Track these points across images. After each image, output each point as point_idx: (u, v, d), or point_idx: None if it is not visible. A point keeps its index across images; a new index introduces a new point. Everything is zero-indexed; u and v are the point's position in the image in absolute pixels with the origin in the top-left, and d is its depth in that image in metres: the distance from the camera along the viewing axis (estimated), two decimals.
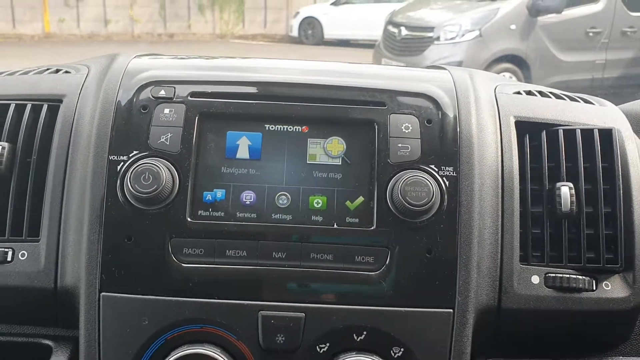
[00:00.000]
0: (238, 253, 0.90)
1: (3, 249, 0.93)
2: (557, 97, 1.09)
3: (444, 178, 0.92)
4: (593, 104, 1.10)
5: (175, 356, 0.86)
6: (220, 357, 0.86)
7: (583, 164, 0.98)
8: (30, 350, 0.95)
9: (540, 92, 1.09)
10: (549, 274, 0.95)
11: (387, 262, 0.90)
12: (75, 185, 0.93)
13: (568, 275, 0.94)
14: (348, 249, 0.91)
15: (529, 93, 1.08)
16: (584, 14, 6.46)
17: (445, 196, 0.91)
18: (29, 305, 0.94)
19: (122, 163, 0.90)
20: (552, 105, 1.05)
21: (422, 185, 0.89)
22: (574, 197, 0.95)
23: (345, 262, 0.90)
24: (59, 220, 0.93)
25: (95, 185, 0.91)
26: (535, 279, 0.95)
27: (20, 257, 0.93)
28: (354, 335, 0.89)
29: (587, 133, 0.99)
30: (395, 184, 0.90)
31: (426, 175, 0.90)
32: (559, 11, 6.31)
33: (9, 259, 0.93)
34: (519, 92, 1.07)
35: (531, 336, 0.97)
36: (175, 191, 0.90)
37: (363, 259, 0.90)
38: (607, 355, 1.00)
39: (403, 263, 0.90)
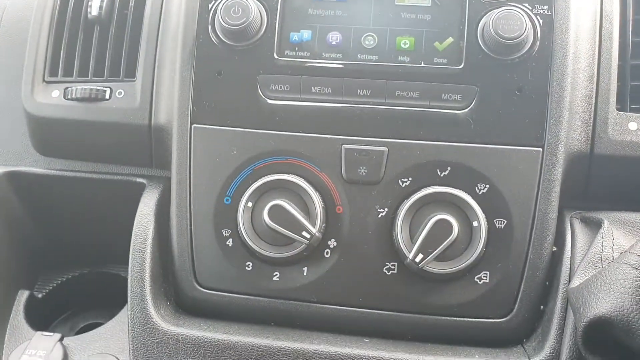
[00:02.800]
0: (323, 90, 0.90)
1: (102, 88, 0.98)
2: None
3: (538, 16, 0.89)
4: None
5: (262, 181, 0.88)
6: (303, 184, 0.87)
7: None
8: (124, 188, 1.00)
9: None
10: None
11: (475, 100, 0.88)
12: (169, 28, 0.97)
13: None
14: (435, 86, 0.89)
15: None
16: None
17: (539, 34, 0.88)
18: (126, 143, 0.99)
19: (213, 1, 0.93)
20: None
21: (515, 19, 0.86)
22: None
23: (432, 99, 0.89)
24: (153, 61, 0.97)
25: (188, 25, 0.94)
26: (633, 126, 0.90)
27: (117, 95, 0.98)
28: (438, 170, 0.87)
29: None
30: (487, 20, 0.88)
31: (520, 11, 0.87)
32: None
33: (107, 97, 0.98)
34: None
35: (626, 187, 0.92)
36: (263, 29, 0.91)
37: (450, 96, 0.89)
38: None
39: (492, 101, 0.88)
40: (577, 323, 0.73)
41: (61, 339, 0.93)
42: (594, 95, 0.91)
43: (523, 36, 0.86)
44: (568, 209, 0.91)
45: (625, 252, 0.72)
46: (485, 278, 0.86)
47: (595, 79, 0.91)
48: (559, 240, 0.88)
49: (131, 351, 0.86)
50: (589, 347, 0.71)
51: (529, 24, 0.87)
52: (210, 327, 0.87)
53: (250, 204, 0.88)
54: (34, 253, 1.09)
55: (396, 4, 0.93)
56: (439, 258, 0.84)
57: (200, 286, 0.91)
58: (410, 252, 0.84)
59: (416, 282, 0.86)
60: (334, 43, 0.92)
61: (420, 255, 0.83)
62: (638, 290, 0.68)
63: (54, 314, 1.10)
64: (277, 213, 0.85)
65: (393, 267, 0.87)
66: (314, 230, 0.85)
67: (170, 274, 0.92)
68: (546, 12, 0.89)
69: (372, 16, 0.93)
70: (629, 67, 0.93)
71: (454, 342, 0.86)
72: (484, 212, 0.86)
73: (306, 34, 0.93)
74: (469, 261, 0.84)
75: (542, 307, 0.86)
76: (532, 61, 0.88)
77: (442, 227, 0.83)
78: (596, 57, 0.92)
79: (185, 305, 0.92)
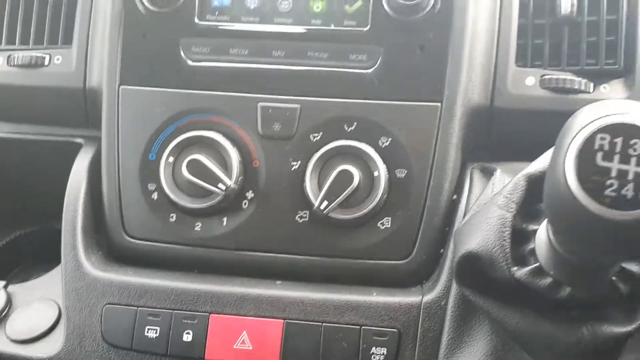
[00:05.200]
0: (240, 51, 0.97)
1: (42, 55, 1.05)
2: None
3: None
4: None
5: (181, 138, 0.94)
6: (221, 140, 0.94)
7: None
8: (64, 148, 1.07)
9: None
10: (545, 76, 0.95)
11: (379, 60, 0.94)
12: None
13: (564, 77, 0.94)
14: (343, 47, 0.95)
15: None
16: None
17: None
18: (65, 106, 1.06)
19: None
20: None
21: None
22: (575, 1, 0.95)
23: (340, 60, 0.95)
24: (87, 28, 1.04)
25: None
26: (531, 80, 0.96)
27: (55, 61, 1.05)
28: (345, 125, 0.94)
29: None
30: None
31: None
32: None
33: (46, 63, 1.04)
34: None
35: (524, 139, 0.97)
36: None
37: (357, 57, 0.95)
38: None
39: (395, 60, 0.94)
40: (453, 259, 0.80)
41: (5, 286, 1.01)
42: (495, 52, 0.96)
43: None
44: (472, 160, 0.97)
45: (496, 194, 0.78)
46: (387, 223, 0.92)
47: (496, 37, 0.96)
48: (459, 189, 0.94)
49: (64, 294, 0.94)
50: (462, 281, 0.78)
51: None
52: (135, 273, 0.94)
53: (171, 159, 0.94)
54: None
55: None
56: (344, 205, 0.91)
57: (129, 236, 0.98)
58: (316, 200, 0.90)
59: (324, 228, 0.93)
60: (252, 7, 0.99)
61: (325, 203, 0.90)
62: (501, 227, 0.74)
63: (5, 270, 1.18)
64: (195, 167, 0.92)
65: (305, 215, 0.94)
66: (229, 182, 0.92)
67: (102, 226, 1.00)
68: None
69: None
70: (531, 25, 0.98)
71: (360, 283, 0.93)
72: (386, 163, 0.92)
73: (226, 0, 0.99)
74: (369, 208, 0.90)
75: (441, 250, 0.93)
76: (434, 20, 0.93)
77: (345, 177, 0.90)
78: (497, 15, 0.97)
79: (116, 254, 0.99)
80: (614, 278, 0.70)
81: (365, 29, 0.95)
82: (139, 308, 0.91)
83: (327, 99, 0.95)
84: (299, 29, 0.97)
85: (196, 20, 0.98)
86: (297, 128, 0.95)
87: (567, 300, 0.71)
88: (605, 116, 0.52)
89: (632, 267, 0.71)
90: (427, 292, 0.89)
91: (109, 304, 0.92)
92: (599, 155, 0.51)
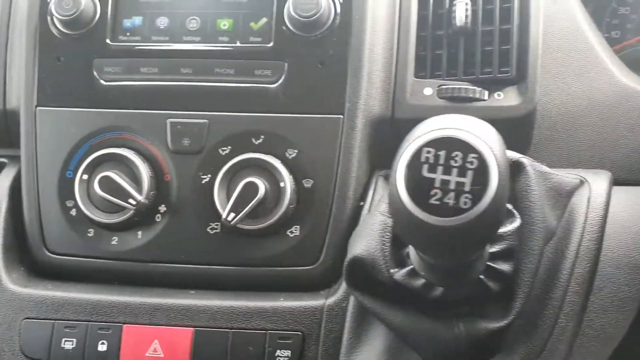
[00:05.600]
0: (151, 70, 1.01)
1: None
2: None
3: None
4: None
5: (94, 155, 0.98)
6: (131, 156, 0.98)
7: None
8: None
9: None
10: (442, 86, 1.00)
11: (283, 75, 0.98)
12: (17, 20, 1.07)
13: (460, 86, 0.99)
14: (249, 63, 0.99)
15: None
16: None
17: (339, 12, 0.98)
18: None
19: None
20: None
21: None
22: (469, 12, 1.00)
23: (246, 75, 0.99)
24: (5, 51, 1.07)
25: (31, 16, 1.03)
26: (428, 91, 1.00)
27: None
28: (253, 139, 0.98)
29: None
30: (292, 1, 0.97)
31: None
32: None
33: None
34: None
35: None
36: (97, 17, 1.01)
37: (262, 72, 0.99)
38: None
39: (298, 75, 0.98)
40: None
41: None
42: (394, 65, 1.00)
43: (319, 15, 0.95)
44: (380, 168, 1.02)
45: (380, 200, 0.83)
46: (296, 232, 0.96)
47: (395, 50, 1.01)
48: (365, 196, 0.99)
49: None
50: (351, 284, 0.82)
51: (327, 2, 0.96)
52: (54, 287, 0.98)
53: (85, 177, 0.98)
54: None
55: None
56: (252, 216, 0.94)
57: (50, 252, 1.01)
58: (224, 212, 0.94)
59: (235, 238, 0.97)
60: (162, 27, 1.02)
61: (232, 215, 0.93)
62: (382, 232, 0.78)
63: None
64: (107, 183, 0.96)
65: (216, 227, 0.98)
66: (139, 197, 0.96)
67: (24, 243, 1.03)
68: None
69: (196, 1, 1.02)
70: (429, 37, 1.02)
71: (271, 289, 0.97)
72: (293, 174, 0.96)
73: (137, 20, 1.03)
74: (277, 217, 0.94)
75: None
76: (333, 37, 0.98)
77: (251, 189, 0.93)
78: (396, 29, 1.01)
79: (38, 270, 1.02)
80: (482, 277, 0.74)
81: (270, 45, 0.99)
82: (56, 321, 0.94)
83: (235, 113, 0.99)
84: (207, 47, 1.00)
85: (108, 41, 1.01)
86: (205, 142, 0.98)
87: (441, 299, 0.75)
88: (432, 131, 0.57)
89: (502, 265, 0.76)
90: (331, 295, 0.93)
91: (27, 318, 0.95)
92: (425, 167, 0.56)
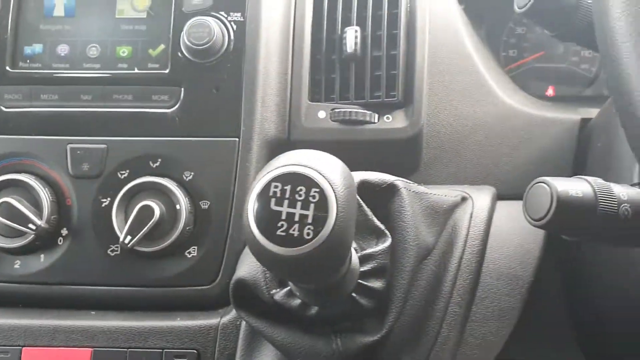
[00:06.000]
0: (51, 97, 1.03)
1: None
2: None
3: (232, 23, 1.03)
4: None
5: None
6: (32, 182, 1.00)
7: (372, 11, 1.07)
8: None
9: None
10: (335, 109, 1.05)
11: (180, 100, 1.02)
12: None
13: (351, 110, 1.04)
14: (147, 89, 1.02)
15: None
16: None
17: (232, 39, 1.02)
18: None
19: None
20: None
21: (204, 27, 1.00)
22: (358, 39, 1.05)
23: (144, 101, 1.02)
24: None
25: None
26: (322, 114, 1.05)
27: None
28: (150, 162, 1.01)
29: None
30: (186, 28, 1.01)
31: (213, 20, 1.01)
32: None
33: None
34: None
35: None
36: None
37: (159, 97, 1.02)
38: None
39: (194, 100, 1.02)
40: None
41: None
42: (289, 88, 1.05)
43: (212, 42, 0.99)
44: None
45: None
46: (194, 252, 1.00)
47: (290, 74, 1.05)
48: None
49: None
50: (237, 304, 0.86)
51: (221, 30, 1.01)
52: None
53: None
54: None
55: (116, 17, 1.05)
56: (150, 238, 0.97)
57: None
58: (121, 235, 0.97)
59: (135, 260, 1.00)
60: (62, 54, 1.05)
61: (129, 237, 0.96)
62: None
63: None
64: (8, 209, 0.98)
65: (116, 249, 1.00)
66: (39, 222, 0.98)
67: None
68: (239, 18, 1.03)
69: (96, 29, 1.05)
70: (323, 63, 1.07)
71: (171, 309, 1.00)
72: (190, 196, 1.00)
73: (38, 47, 1.05)
74: (173, 239, 0.97)
75: None
76: (227, 63, 1.02)
77: (147, 212, 0.96)
78: (290, 55, 1.06)
79: None
80: (354, 295, 0.79)
81: (166, 71, 1.02)
82: None
83: (133, 138, 1.02)
84: (106, 74, 1.03)
85: (8, 68, 1.03)
86: (104, 167, 1.01)
87: (318, 317, 0.80)
88: (280, 166, 0.61)
89: (375, 282, 0.81)
90: (226, 314, 0.97)
91: None
92: (273, 200, 0.60)
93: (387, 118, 1.05)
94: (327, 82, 1.07)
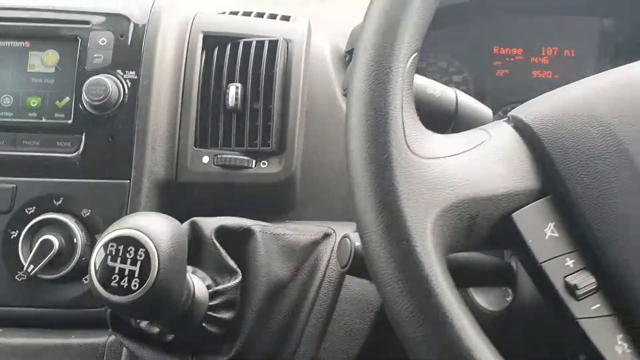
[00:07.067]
0: None
1: None
2: (258, 14, 1.33)
3: (127, 80, 1.18)
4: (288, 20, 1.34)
5: None
6: None
7: (253, 69, 1.23)
8: None
9: (245, 12, 1.34)
10: (218, 155, 1.21)
11: (81, 146, 1.17)
12: None
13: (231, 156, 1.21)
14: (52, 136, 1.18)
15: (233, 13, 1.33)
16: None
17: (127, 94, 1.18)
18: None
19: None
20: (242, 22, 1.29)
21: (100, 85, 1.15)
22: (239, 95, 1.21)
23: (50, 147, 1.18)
24: None
25: None
26: (206, 159, 1.22)
27: None
28: (54, 200, 1.17)
29: (260, 44, 1.24)
30: (85, 86, 1.16)
31: (109, 78, 1.16)
32: None
33: None
34: (223, 12, 1.32)
35: (209, 206, 1.23)
36: None
37: (63, 144, 1.18)
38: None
39: (93, 146, 1.17)
40: None
41: None
42: (177, 136, 1.21)
43: (107, 99, 1.15)
44: None
45: None
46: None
47: (178, 124, 1.22)
48: None
49: None
50: (114, 328, 1.03)
51: (117, 87, 1.16)
52: None
53: None
54: None
55: (28, 70, 1.21)
56: (51, 266, 1.13)
57: None
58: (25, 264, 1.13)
59: (40, 285, 1.15)
60: None
61: (32, 266, 1.12)
62: None
63: None
64: None
65: (23, 275, 1.16)
66: None
67: None
68: (133, 76, 1.19)
69: (10, 81, 1.20)
70: (209, 111, 1.24)
71: (72, 327, 1.16)
72: (88, 230, 1.16)
73: None
74: (70, 267, 1.13)
75: None
76: (122, 115, 1.18)
77: (48, 244, 1.12)
78: (179, 106, 1.22)
79: None
80: (204, 324, 0.96)
81: (69, 121, 1.18)
82: None
83: (39, 179, 1.17)
84: (18, 121, 1.19)
85: None
86: (14, 203, 1.17)
87: (175, 343, 0.97)
88: (117, 229, 0.78)
89: (224, 314, 0.98)
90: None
91: None
92: (109, 257, 0.77)
93: (263, 164, 1.22)
94: (213, 130, 1.23)
